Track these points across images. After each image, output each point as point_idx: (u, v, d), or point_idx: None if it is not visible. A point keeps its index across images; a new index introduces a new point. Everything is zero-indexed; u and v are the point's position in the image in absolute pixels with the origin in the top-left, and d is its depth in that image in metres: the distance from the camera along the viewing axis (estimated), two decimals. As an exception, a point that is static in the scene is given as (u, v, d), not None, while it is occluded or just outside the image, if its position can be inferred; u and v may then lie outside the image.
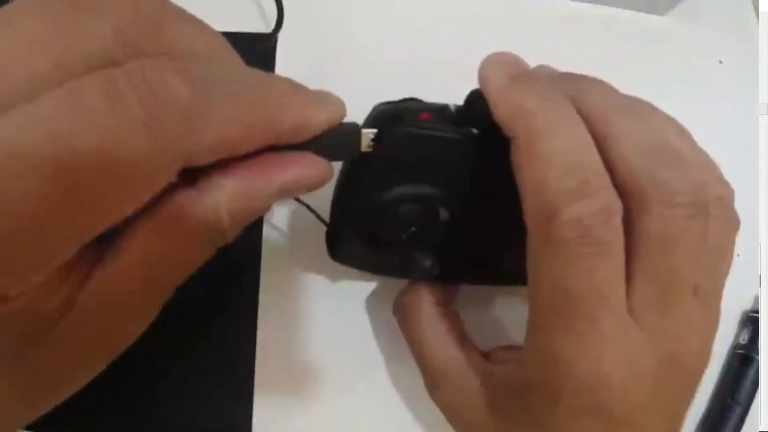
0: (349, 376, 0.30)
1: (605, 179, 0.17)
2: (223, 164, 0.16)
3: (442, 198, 0.22)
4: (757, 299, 0.33)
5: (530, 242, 0.19)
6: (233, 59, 0.19)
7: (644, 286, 0.18)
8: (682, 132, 0.20)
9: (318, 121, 0.17)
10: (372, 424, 0.30)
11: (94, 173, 0.13)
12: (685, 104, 0.36)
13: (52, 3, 0.13)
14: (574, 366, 0.18)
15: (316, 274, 0.30)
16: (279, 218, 0.32)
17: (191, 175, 0.16)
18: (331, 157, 0.18)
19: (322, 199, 0.25)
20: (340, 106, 0.18)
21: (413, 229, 0.23)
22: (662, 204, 0.17)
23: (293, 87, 0.17)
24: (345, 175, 0.23)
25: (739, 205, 0.35)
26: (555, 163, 0.17)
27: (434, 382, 0.24)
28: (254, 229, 0.31)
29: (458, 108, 0.22)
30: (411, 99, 0.22)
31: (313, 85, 0.31)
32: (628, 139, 0.18)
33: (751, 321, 0.32)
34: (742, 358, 0.32)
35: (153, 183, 0.14)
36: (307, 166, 0.17)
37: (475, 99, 0.21)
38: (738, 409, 0.31)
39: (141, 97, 0.13)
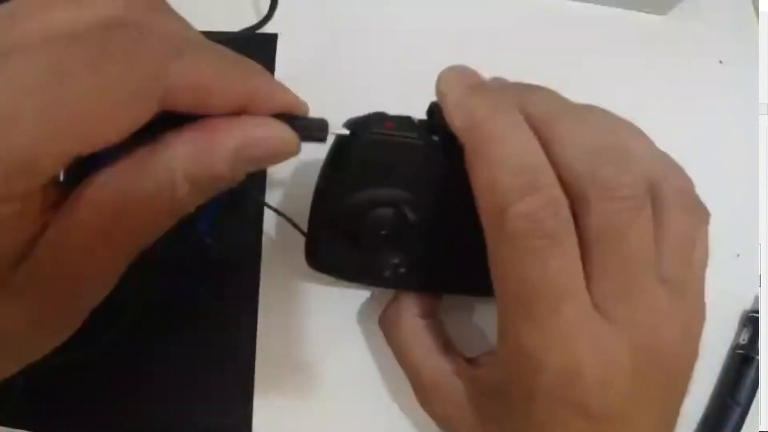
0: (349, 376, 0.30)
1: (551, 177, 0.19)
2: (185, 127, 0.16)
3: (409, 200, 0.23)
4: (757, 299, 0.33)
5: (488, 241, 0.19)
6: None
7: (603, 280, 0.18)
8: (634, 131, 0.21)
9: (283, 99, 0.18)
10: (372, 424, 0.30)
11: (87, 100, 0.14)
12: (685, 104, 0.37)
13: None
14: (544, 359, 0.18)
15: (316, 274, 0.30)
16: (279, 219, 0.32)
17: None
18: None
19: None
20: (301, 102, 0.19)
21: (384, 231, 0.24)
22: (602, 199, 0.18)
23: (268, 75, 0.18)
24: (320, 181, 0.24)
25: (739, 205, 0.35)
26: (504, 165, 0.18)
27: (424, 394, 0.25)
28: (254, 229, 0.31)
29: (420, 120, 0.24)
30: (377, 113, 0.23)
31: (313, 85, 0.31)
32: (570, 140, 0.19)
33: (751, 321, 0.32)
34: (742, 358, 0.32)
35: (134, 115, 0.15)
36: (269, 127, 0.17)
37: (435, 110, 0.23)
38: (738, 409, 0.31)
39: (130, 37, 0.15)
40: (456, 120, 0.20)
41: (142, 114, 0.15)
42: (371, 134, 0.22)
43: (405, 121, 0.23)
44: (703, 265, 0.21)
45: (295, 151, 0.18)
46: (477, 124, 0.19)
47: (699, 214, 0.21)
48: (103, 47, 0.14)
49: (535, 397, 0.19)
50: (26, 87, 0.14)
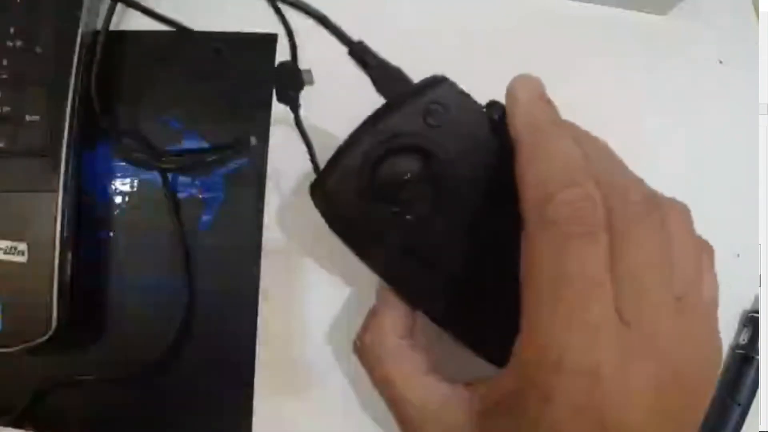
0: (350, 375, 0.30)
1: (592, 180, 0.20)
2: None
3: (444, 163, 0.23)
4: (757, 299, 0.33)
5: (526, 230, 0.20)
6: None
7: (625, 284, 0.19)
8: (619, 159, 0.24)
9: None
10: (372, 424, 0.30)
11: None
12: (685, 104, 0.37)
13: None
14: (564, 358, 0.18)
15: (316, 273, 0.30)
16: (279, 218, 0.32)
17: None
18: None
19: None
20: None
21: (407, 176, 0.23)
22: (624, 203, 0.20)
23: None
24: (373, 114, 0.23)
25: (739, 205, 0.35)
26: (555, 160, 0.20)
27: (414, 423, 0.22)
28: (254, 228, 0.31)
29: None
30: None
31: (313, 85, 0.30)
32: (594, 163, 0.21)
33: (751, 321, 0.32)
34: (742, 358, 0.32)
35: None
36: None
37: (492, 104, 0.23)
38: (738, 409, 0.31)
39: None
40: (521, 118, 0.22)
41: None
42: (453, 85, 0.23)
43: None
44: (714, 299, 0.21)
45: None
46: (538, 126, 0.21)
47: (704, 246, 0.22)
48: None
49: (552, 400, 0.18)
50: None
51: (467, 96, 0.23)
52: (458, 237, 0.23)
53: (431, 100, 0.23)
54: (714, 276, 0.22)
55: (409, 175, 0.23)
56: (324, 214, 0.23)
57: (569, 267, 0.18)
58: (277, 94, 0.30)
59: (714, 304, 0.21)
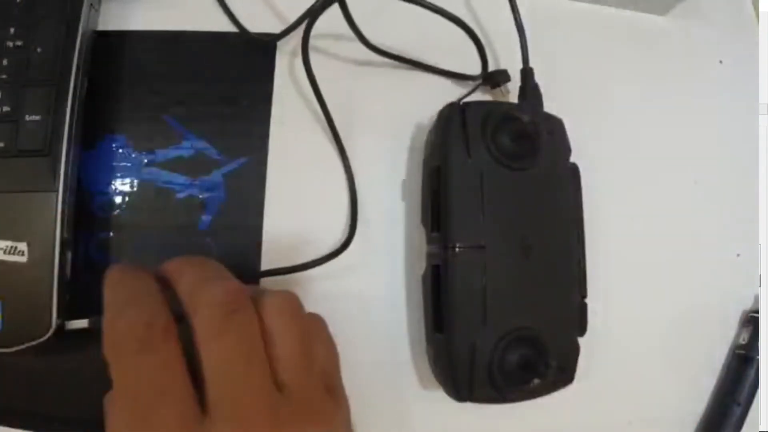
0: (349, 375, 0.30)
1: (154, 302, 0.22)
2: None
3: None
4: (757, 299, 0.33)
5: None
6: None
7: (210, 384, 0.20)
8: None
9: None
10: (373, 424, 0.30)
11: None
12: (685, 104, 0.37)
13: None
14: None
15: (316, 273, 0.30)
16: (279, 218, 0.32)
17: None
18: None
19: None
20: None
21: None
22: (198, 306, 0.21)
23: None
24: None
25: (739, 205, 0.35)
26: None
27: None
28: (254, 228, 0.31)
29: None
30: None
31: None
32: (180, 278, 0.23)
33: (751, 321, 0.32)
34: (742, 358, 0.32)
35: None
36: None
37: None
38: (738, 409, 0.31)
39: None
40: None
41: None
42: None
43: None
44: (328, 368, 0.23)
45: None
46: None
47: (310, 323, 0.23)
48: None
49: None
50: None
51: None
52: None
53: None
54: (327, 344, 0.23)
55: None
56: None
57: (130, 378, 0.20)
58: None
59: (327, 373, 0.22)
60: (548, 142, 0.29)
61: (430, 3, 0.29)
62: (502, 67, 0.33)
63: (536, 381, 0.26)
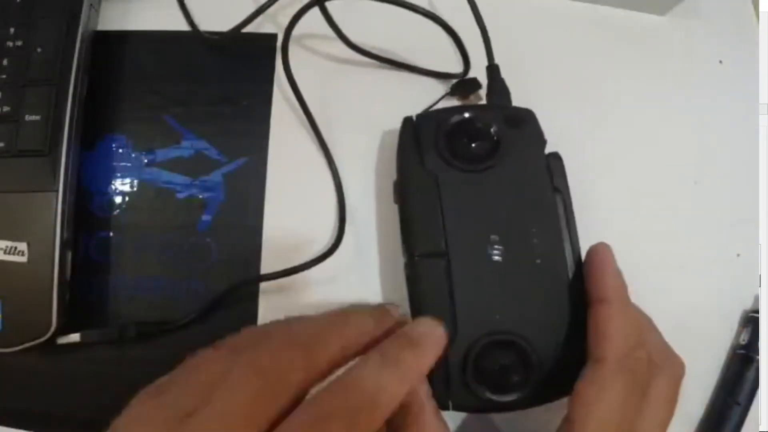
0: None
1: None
2: None
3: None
4: (757, 299, 0.33)
5: (600, 369, 0.24)
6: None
7: None
8: None
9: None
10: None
11: None
12: (685, 104, 0.37)
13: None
14: None
15: (315, 274, 0.30)
16: (279, 218, 0.32)
17: None
18: None
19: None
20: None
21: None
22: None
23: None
24: None
25: (739, 205, 0.35)
26: (632, 325, 0.25)
27: None
28: (254, 229, 0.31)
29: None
30: None
31: (311, 86, 0.30)
32: None
33: (751, 321, 0.32)
34: (742, 358, 0.32)
35: None
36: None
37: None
38: (738, 409, 0.31)
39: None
40: (611, 282, 0.26)
41: None
42: None
43: None
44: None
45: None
46: (621, 292, 0.26)
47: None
48: None
49: None
50: None
51: None
52: None
53: None
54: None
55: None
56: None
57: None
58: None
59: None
60: (512, 137, 0.28)
61: (403, 1, 0.29)
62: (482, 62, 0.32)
63: (522, 388, 0.25)
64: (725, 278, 0.33)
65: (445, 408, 0.25)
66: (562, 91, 0.33)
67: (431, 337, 0.22)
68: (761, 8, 0.36)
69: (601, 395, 0.23)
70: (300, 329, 0.22)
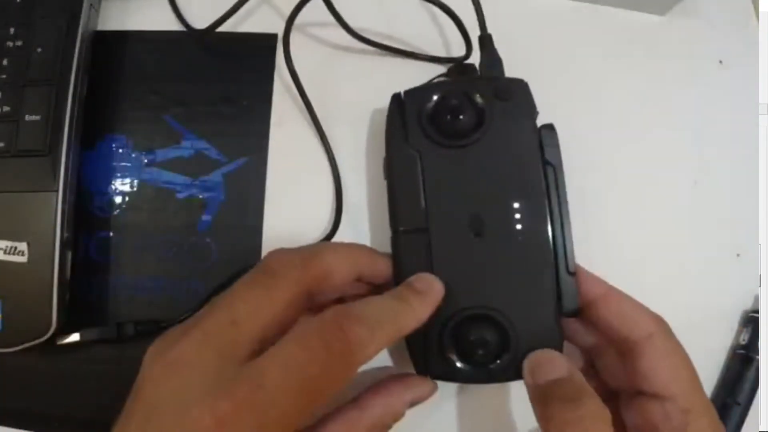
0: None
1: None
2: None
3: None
4: (757, 299, 0.33)
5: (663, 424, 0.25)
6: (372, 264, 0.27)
7: None
8: None
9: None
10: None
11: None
12: (685, 104, 0.37)
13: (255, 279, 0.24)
14: None
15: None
16: (279, 218, 0.32)
17: None
18: None
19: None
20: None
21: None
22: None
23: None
24: None
25: (739, 205, 0.35)
26: (687, 369, 0.26)
27: None
28: (254, 229, 0.31)
29: None
30: None
31: (311, 85, 0.30)
32: None
33: (751, 321, 0.32)
34: (742, 358, 0.32)
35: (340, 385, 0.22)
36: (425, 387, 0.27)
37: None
38: (738, 409, 0.31)
39: (342, 340, 0.21)
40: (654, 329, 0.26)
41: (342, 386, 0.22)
42: None
43: None
44: None
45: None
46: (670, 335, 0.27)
47: None
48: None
49: None
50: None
51: None
52: None
53: None
54: None
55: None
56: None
57: None
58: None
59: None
60: (500, 109, 0.28)
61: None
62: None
63: (498, 361, 0.26)
64: (725, 278, 0.33)
65: (423, 373, 0.27)
66: (561, 91, 0.33)
67: (432, 288, 0.25)
68: (761, 8, 0.36)
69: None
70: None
